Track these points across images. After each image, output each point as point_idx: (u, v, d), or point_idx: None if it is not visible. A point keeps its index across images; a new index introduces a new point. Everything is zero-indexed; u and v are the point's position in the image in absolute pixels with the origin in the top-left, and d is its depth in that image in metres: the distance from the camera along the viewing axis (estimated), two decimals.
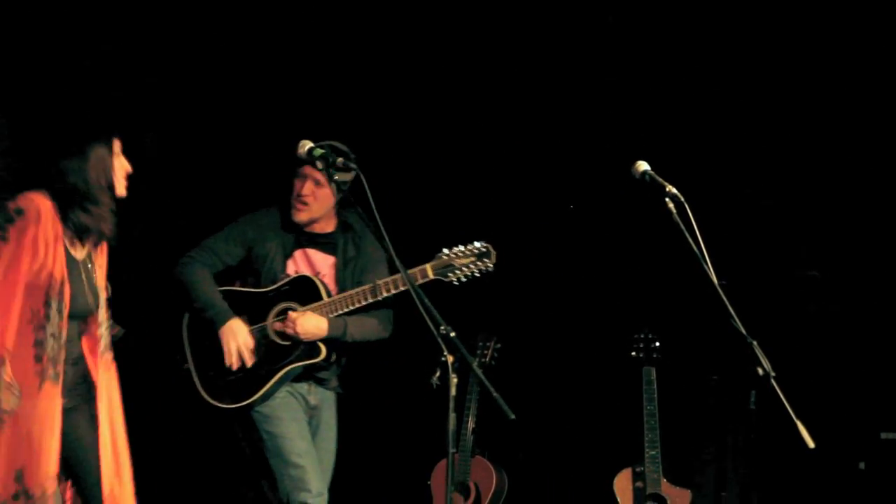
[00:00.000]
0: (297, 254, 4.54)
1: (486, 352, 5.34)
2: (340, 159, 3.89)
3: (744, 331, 3.43)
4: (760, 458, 5.07)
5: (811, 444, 3.32)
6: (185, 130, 5.40)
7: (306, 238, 4.54)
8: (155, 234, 5.10)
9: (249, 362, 4.38)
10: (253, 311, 4.47)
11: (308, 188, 4.44)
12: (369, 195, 3.63)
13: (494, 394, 3.92)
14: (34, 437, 3.43)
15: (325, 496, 4.41)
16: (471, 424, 5.24)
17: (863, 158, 5.57)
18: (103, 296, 3.67)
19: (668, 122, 5.64)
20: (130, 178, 3.67)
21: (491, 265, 4.43)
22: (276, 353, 4.41)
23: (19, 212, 3.45)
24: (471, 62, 5.62)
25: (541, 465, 5.51)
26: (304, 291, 4.45)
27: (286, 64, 5.49)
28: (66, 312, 3.47)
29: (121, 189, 3.60)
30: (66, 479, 3.56)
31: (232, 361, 4.36)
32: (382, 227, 3.62)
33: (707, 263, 3.62)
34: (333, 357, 4.48)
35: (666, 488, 5.09)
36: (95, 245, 3.64)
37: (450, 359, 3.43)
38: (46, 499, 3.43)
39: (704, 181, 5.14)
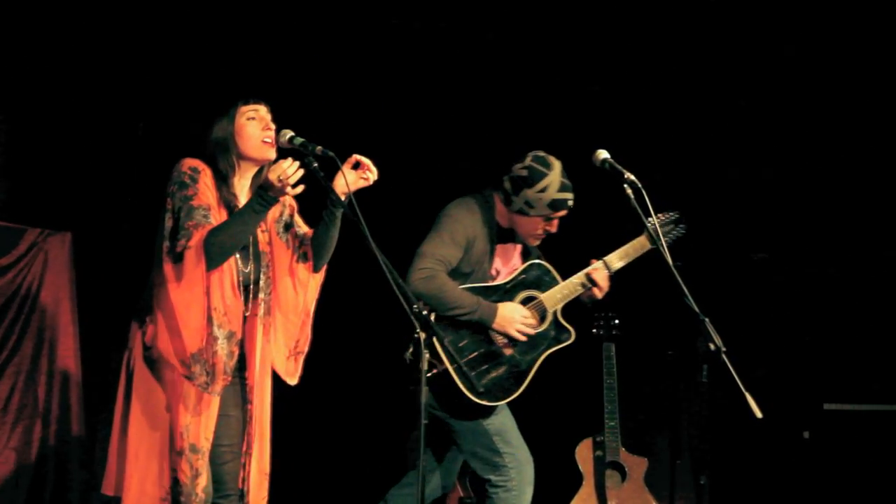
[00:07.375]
0: (497, 249, 4.46)
1: None
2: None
3: (696, 309, 3.51)
4: (711, 427, 5.27)
5: (759, 415, 3.43)
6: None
7: (499, 232, 4.46)
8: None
9: (534, 330, 4.36)
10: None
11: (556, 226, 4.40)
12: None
13: (464, 368, 4.10)
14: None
15: None
16: None
17: (812, 144, 5.75)
18: (265, 260, 3.69)
19: (627, 110, 5.76)
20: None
21: (684, 230, 4.51)
22: (531, 341, 4.38)
23: (195, 170, 3.52)
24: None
25: None
26: (537, 278, 4.45)
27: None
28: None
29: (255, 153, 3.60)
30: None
31: (523, 338, 4.33)
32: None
33: (663, 246, 3.73)
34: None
35: (624, 456, 5.26)
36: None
37: (422, 335, 3.41)
38: (206, 453, 3.50)
39: (663, 168, 5.35)
